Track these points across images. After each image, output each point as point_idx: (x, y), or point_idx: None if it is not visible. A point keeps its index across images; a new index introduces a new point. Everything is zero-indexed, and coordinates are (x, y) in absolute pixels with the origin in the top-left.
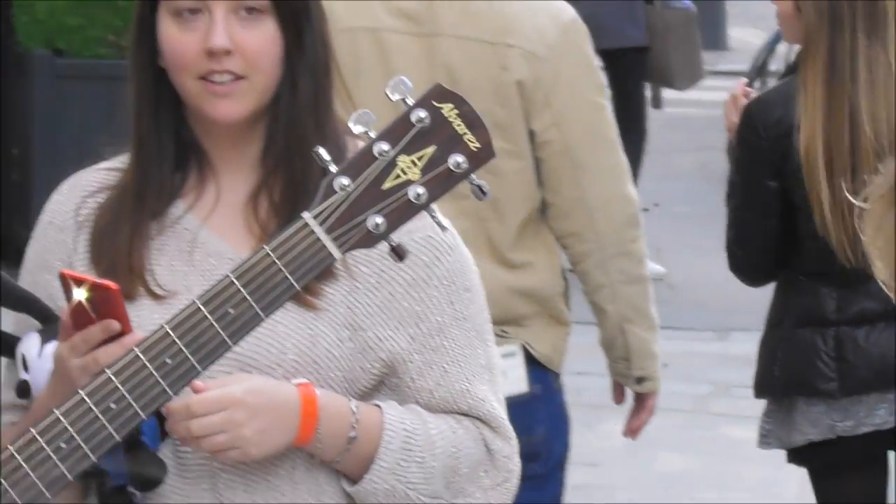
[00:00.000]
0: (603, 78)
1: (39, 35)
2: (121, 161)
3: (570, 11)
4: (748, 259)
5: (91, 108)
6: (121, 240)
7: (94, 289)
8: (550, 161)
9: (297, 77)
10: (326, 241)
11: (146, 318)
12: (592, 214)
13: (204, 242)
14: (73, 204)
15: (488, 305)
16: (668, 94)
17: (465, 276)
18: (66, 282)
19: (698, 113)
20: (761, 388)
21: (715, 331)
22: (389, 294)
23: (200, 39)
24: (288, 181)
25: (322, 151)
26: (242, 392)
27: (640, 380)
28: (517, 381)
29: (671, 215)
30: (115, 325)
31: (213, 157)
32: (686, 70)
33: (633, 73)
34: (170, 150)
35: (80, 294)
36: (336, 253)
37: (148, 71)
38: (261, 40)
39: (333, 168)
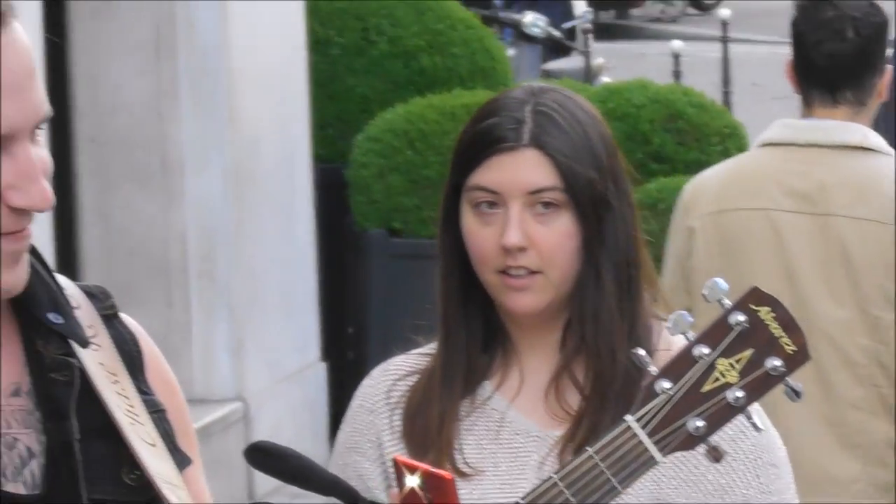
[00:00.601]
0: None
1: (375, 215)
2: (430, 347)
3: None
4: None
5: (425, 287)
6: (431, 419)
7: (428, 476)
8: None
9: (599, 267)
10: (649, 444)
11: None
12: None
13: (511, 421)
14: (384, 387)
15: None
16: None
17: (772, 452)
18: (399, 468)
19: None
20: None
21: None
22: (695, 468)
23: (497, 234)
24: (590, 363)
25: (641, 353)
26: None
27: None
28: None
29: None
30: None
31: (517, 340)
32: None
33: None
34: (478, 333)
35: (413, 481)
36: (658, 456)
37: (454, 256)
38: (556, 236)
39: (653, 370)
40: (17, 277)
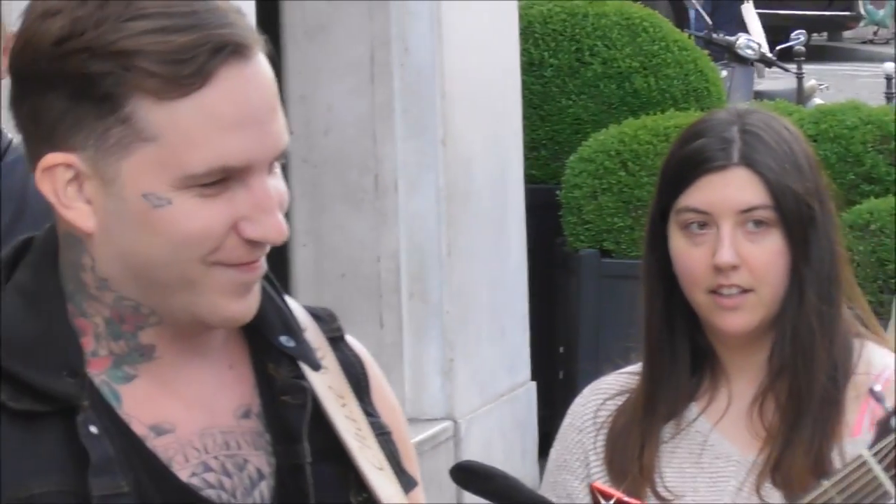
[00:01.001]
0: None
1: (587, 236)
2: (640, 366)
3: None
4: None
5: (633, 308)
6: (632, 442)
7: None
8: None
9: (803, 285)
10: (884, 479)
11: None
12: None
13: (713, 445)
14: (592, 407)
15: None
16: None
17: None
18: (595, 494)
19: None
20: None
21: None
22: None
23: (708, 254)
24: (793, 384)
25: (878, 390)
26: None
27: None
28: None
29: None
30: None
31: (726, 361)
32: None
33: None
34: (685, 355)
35: None
36: (892, 491)
37: (660, 278)
38: (767, 254)
39: (889, 406)
40: (247, 307)
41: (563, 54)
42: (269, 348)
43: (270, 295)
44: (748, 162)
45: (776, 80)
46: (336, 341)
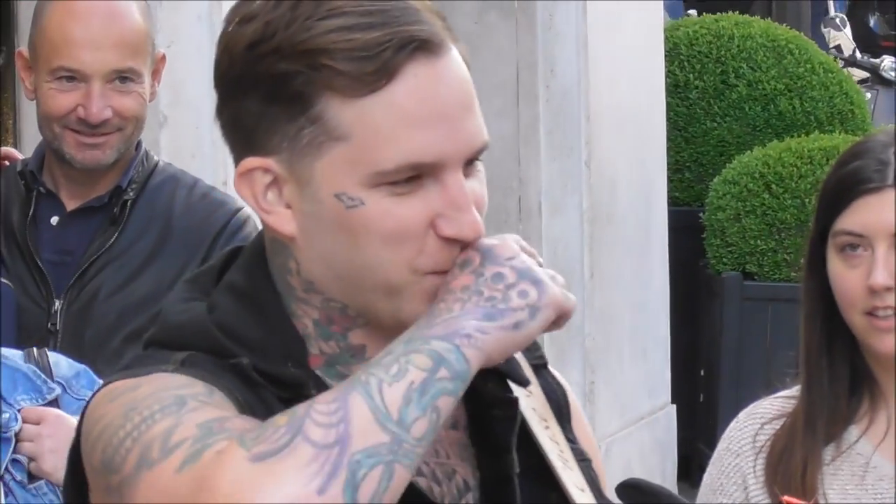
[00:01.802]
0: None
1: (730, 258)
2: (796, 390)
3: None
4: None
5: (779, 330)
6: (794, 464)
7: None
8: None
9: None
10: None
11: None
12: None
13: (876, 466)
14: (750, 431)
15: None
16: None
17: None
18: None
19: None
20: None
21: None
22: None
23: (864, 276)
24: None
25: None
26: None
27: None
28: None
29: None
30: None
31: (885, 384)
32: None
33: None
34: (843, 377)
35: None
36: None
37: (819, 302)
38: None
39: None
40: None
41: (708, 76)
42: None
43: None
44: None
45: None
46: (538, 368)
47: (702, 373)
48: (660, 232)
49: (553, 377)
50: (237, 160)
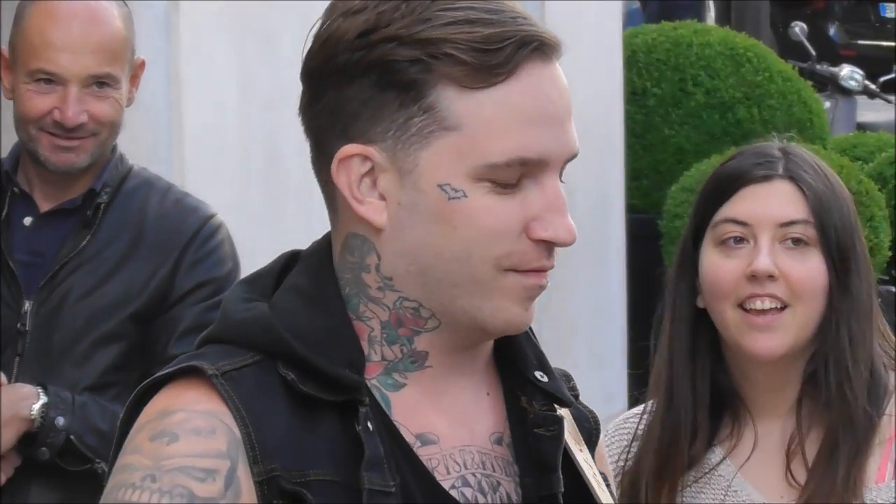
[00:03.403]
0: None
1: None
2: (645, 407)
3: None
4: None
5: None
6: (653, 490)
7: None
8: None
9: (838, 318)
10: None
11: None
12: None
13: (736, 491)
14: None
15: None
16: None
17: None
18: None
19: None
20: None
21: None
22: None
23: (742, 266)
24: (828, 426)
25: None
26: None
27: None
28: None
29: None
30: None
31: (749, 401)
32: None
33: None
34: (705, 393)
35: None
36: None
37: (687, 307)
38: (806, 270)
39: None
40: (529, 316)
41: (666, 84)
42: (523, 382)
43: (525, 331)
44: (792, 176)
45: (879, 112)
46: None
47: None
48: (618, 239)
49: (585, 407)
50: (330, 150)
